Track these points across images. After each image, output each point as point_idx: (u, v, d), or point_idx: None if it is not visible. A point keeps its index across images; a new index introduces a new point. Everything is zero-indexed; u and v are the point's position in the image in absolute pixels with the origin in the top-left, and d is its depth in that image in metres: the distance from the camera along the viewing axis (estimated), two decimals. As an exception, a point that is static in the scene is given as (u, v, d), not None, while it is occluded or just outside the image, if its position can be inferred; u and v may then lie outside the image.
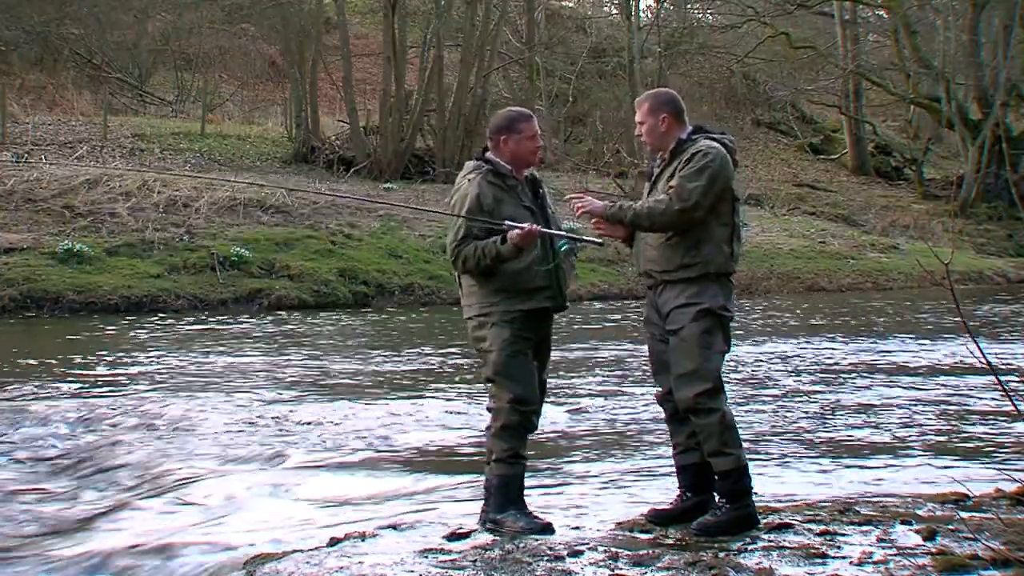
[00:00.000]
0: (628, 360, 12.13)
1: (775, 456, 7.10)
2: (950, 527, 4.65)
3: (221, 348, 13.09)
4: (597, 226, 4.98)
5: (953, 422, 8.34)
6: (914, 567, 4.11)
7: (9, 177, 20.63)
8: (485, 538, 4.69)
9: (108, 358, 12.04)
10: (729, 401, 4.84)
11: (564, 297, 5.05)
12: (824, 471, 6.65)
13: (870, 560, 4.23)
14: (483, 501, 4.94)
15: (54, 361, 11.68)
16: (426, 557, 4.41)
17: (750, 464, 4.83)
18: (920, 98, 35.49)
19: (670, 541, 4.57)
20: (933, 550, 4.33)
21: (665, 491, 5.45)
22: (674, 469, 5.05)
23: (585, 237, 5.26)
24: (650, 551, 4.40)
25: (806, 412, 8.84)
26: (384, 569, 4.27)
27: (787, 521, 4.83)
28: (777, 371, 11.29)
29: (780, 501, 5.37)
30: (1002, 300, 21.32)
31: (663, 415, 5.09)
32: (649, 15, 39.96)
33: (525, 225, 4.81)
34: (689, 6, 43.76)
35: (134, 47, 34.56)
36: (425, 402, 9.31)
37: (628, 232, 4.94)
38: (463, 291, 5.05)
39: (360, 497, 6.06)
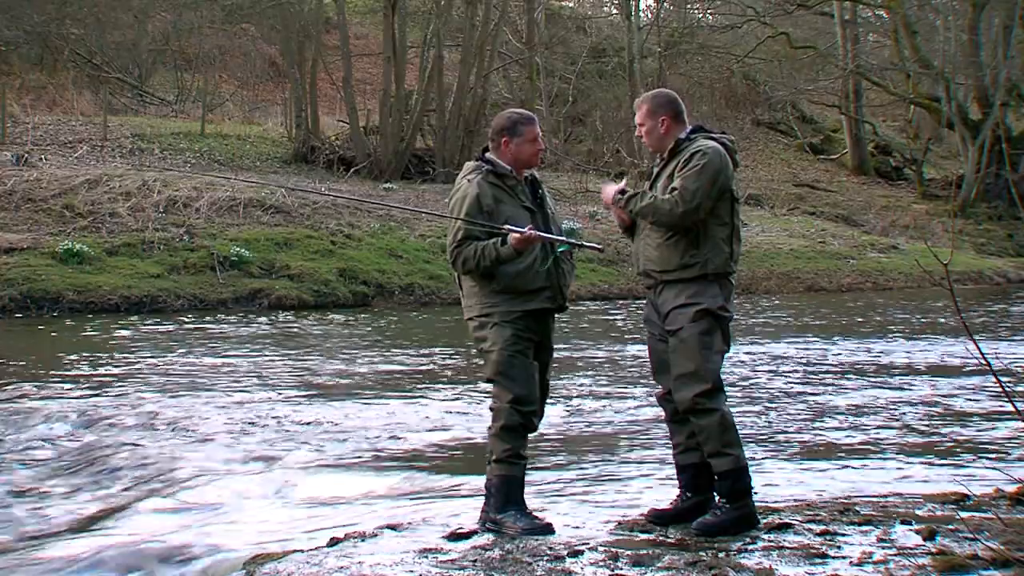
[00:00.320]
0: (627, 360, 12.13)
1: (770, 456, 7.10)
2: (950, 527, 4.65)
3: (221, 348, 13.09)
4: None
5: (951, 422, 8.34)
6: (914, 567, 4.11)
7: (9, 177, 20.63)
8: (485, 538, 4.70)
9: (108, 358, 12.04)
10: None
11: (564, 298, 5.05)
12: (821, 472, 6.65)
13: (870, 560, 4.23)
14: (483, 501, 4.95)
15: (54, 361, 11.68)
16: (426, 557, 4.41)
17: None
18: (920, 98, 35.50)
19: (670, 541, 4.58)
20: (933, 550, 4.33)
21: (665, 491, 5.45)
22: (673, 468, 5.05)
23: (585, 242, 5.26)
24: (650, 551, 4.40)
25: (803, 412, 8.84)
26: (384, 569, 4.27)
27: (787, 521, 4.83)
28: (767, 372, 11.29)
29: (780, 501, 5.37)
30: (999, 300, 21.32)
31: (662, 415, 5.09)
32: (649, 15, 40.01)
33: (525, 229, 4.81)
34: (689, 6, 43.76)
35: (134, 47, 34.56)
36: (425, 402, 9.31)
37: (631, 219, 4.95)
38: (464, 292, 5.06)
39: (360, 497, 6.07)
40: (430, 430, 8.12)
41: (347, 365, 11.74)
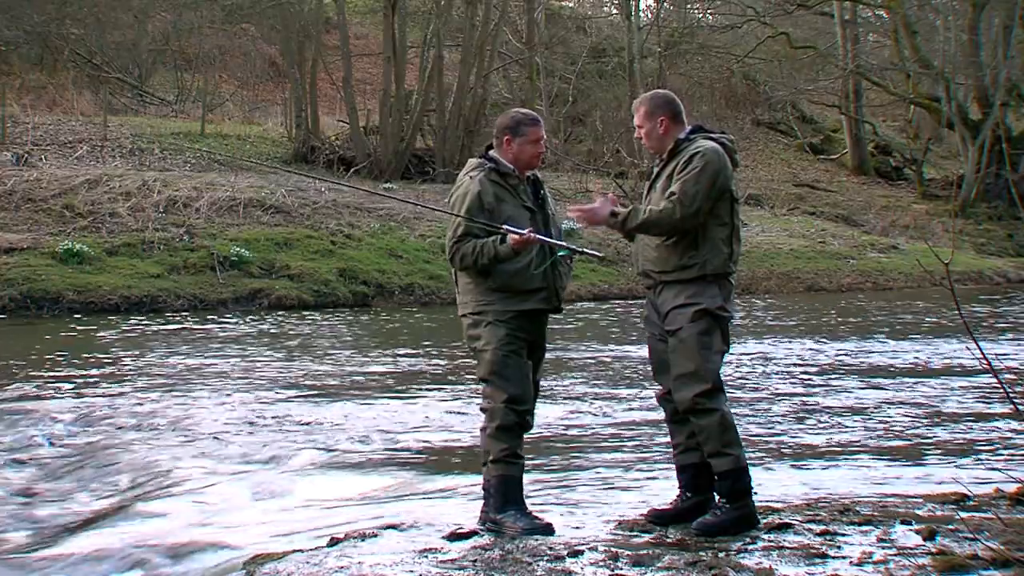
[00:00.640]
0: (627, 360, 12.13)
1: (769, 457, 7.10)
2: (950, 527, 4.65)
3: (221, 348, 13.09)
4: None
5: (951, 422, 8.34)
6: (914, 567, 4.11)
7: (9, 177, 20.63)
8: (485, 538, 4.70)
9: (108, 358, 12.04)
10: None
11: (560, 299, 5.05)
12: (821, 472, 6.65)
13: (870, 560, 4.23)
14: (483, 501, 4.95)
15: (54, 361, 11.68)
16: (426, 557, 4.41)
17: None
18: (920, 98, 35.49)
19: (670, 541, 4.58)
20: (933, 550, 4.33)
21: (664, 491, 5.45)
22: (673, 469, 5.05)
23: (585, 249, 5.24)
24: (650, 551, 4.40)
25: (802, 412, 8.84)
26: (384, 569, 4.27)
27: (787, 521, 4.83)
28: (766, 372, 11.29)
29: (780, 501, 5.37)
30: (1000, 300, 21.32)
31: (662, 415, 5.09)
32: (649, 15, 40.00)
33: (525, 231, 4.81)
34: (689, 6, 43.76)
35: (134, 47, 34.55)
36: (425, 402, 9.31)
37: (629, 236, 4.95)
38: (459, 288, 5.06)
39: (360, 497, 6.07)
40: (430, 430, 8.11)
41: (347, 365, 11.73)
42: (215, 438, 7.78)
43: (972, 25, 32.78)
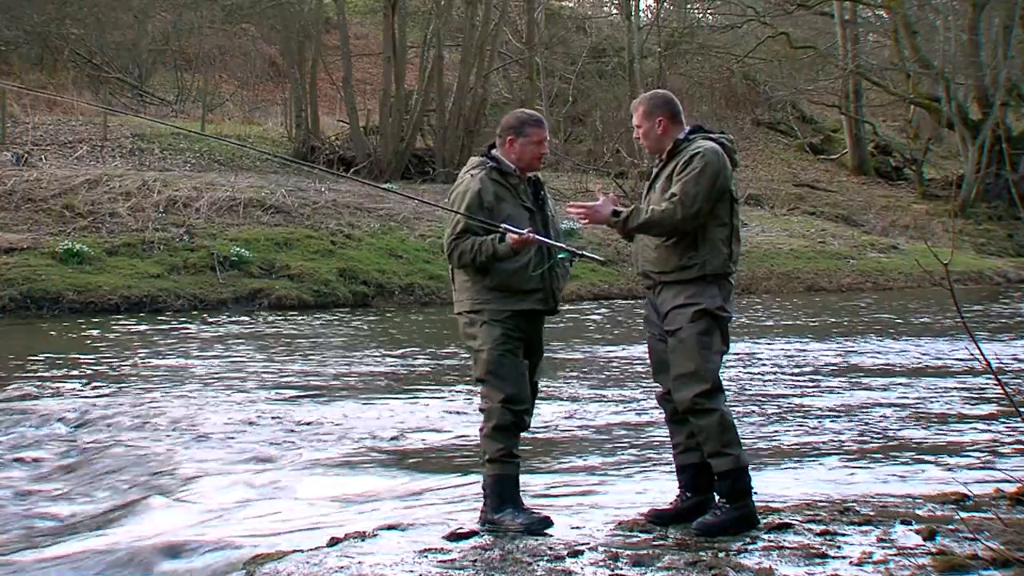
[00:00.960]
0: (626, 360, 12.13)
1: (768, 457, 7.10)
2: (950, 527, 4.65)
3: (221, 348, 13.09)
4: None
5: (950, 422, 8.34)
6: (914, 567, 4.11)
7: (9, 177, 20.62)
8: (485, 538, 4.70)
9: (107, 358, 12.04)
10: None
11: (556, 300, 5.06)
12: (820, 472, 6.65)
13: (870, 560, 4.23)
14: (482, 501, 4.95)
15: (54, 361, 11.68)
16: (426, 557, 4.41)
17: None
18: (920, 98, 35.49)
19: (670, 541, 4.57)
20: (933, 550, 4.33)
21: (664, 491, 5.45)
22: (673, 468, 5.05)
23: (585, 252, 5.23)
24: (650, 551, 4.40)
25: (800, 413, 8.84)
26: (384, 569, 4.27)
27: (787, 521, 4.83)
28: (764, 372, 11.29)
29: (780, 501, 5.37)
30: (1000, 300, 21.33)
31: (662, 415, 5.09)
32: (649, 15, 39.99)
33: (524, 231, 4.81)
34: (689, 6, 43.75)
35: (134, 47, 34.54)
36: (425, 402, 9.31)
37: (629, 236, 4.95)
38: (456, 286, 5.07)
39: (360, 497, 6.06)
40: (430, 430, 8.12)
41: (347, 365, 11.73)
42: (215, 438, 7.78)
43: (972, 25, 32.78)
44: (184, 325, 15.54)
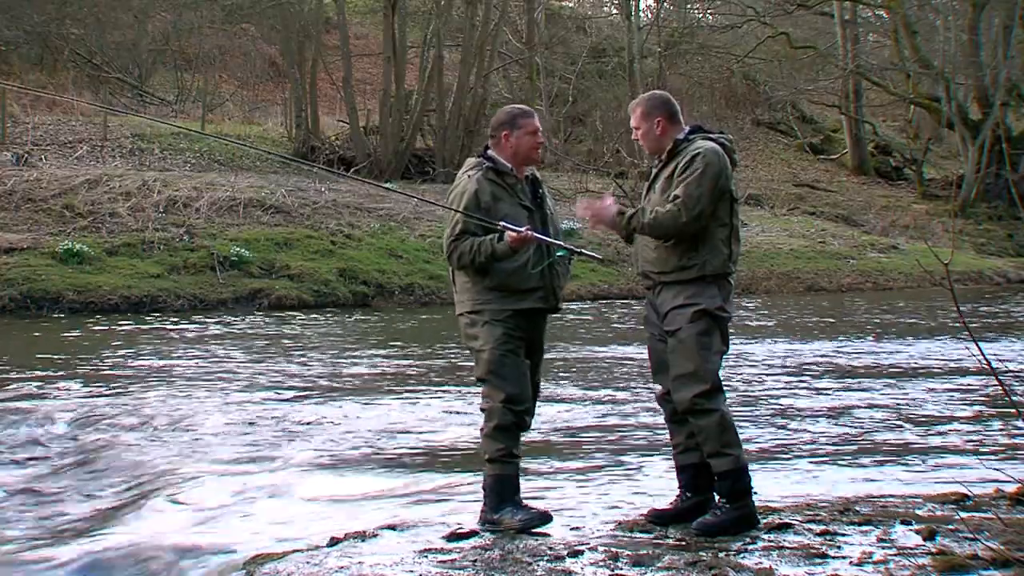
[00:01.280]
0: (626, 360, 12.13)
1: (768, 457, 7.10)
2: (950, 527, 4.65)
3: (221, 348, 13.08)
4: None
5: (950, 422, 8.34)
6: (914, 567, 4.11)
7: (9, 177, 20.62)
8: (485, 538, 4.70)
9: (107, 358, 12.04)
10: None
11: (557, 299, 5.06)
12: (820, 472, 6.65)
13: (870, 560, 4.23)
14: (482, 501, 4.95)
15: (54, 361, 11.68)
16: (426, 557, 4.41)
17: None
18: (920, 98, 35.49)
19: (670, 541, 4.57)
20: (933, 550, 4.33)
21: (664, 491, 5.45)
22: (673, 468, 5.05)
23: (585, 251, 5.22)
24: (650, 551, 4.40)
25: (799, 413, 8.84)
26: (384, 569, 4.27)
27: (787, 521, 4.83)
28: (762, 372, 11.29)
29: (780, 501, 5.37)
30: (1000, 300, 21.33)
31: (661, 414, 5.09)
32: (649, 15, 40.00)
33: (522, 229, 4.81)
34: (689, 6, 43.75)
35: (134, 47, 34.54)
36: (425, 402, 9.31)
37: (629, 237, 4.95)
38: (456, 287, 5.07)
39: (360, 497, 6.06)
40: (430, 430, 8.11)
41: (346, 365, 11.73)
42: (215, 438, 7.78)
43: (972, 25, 32.78)
44: (184, 325, 15.54)
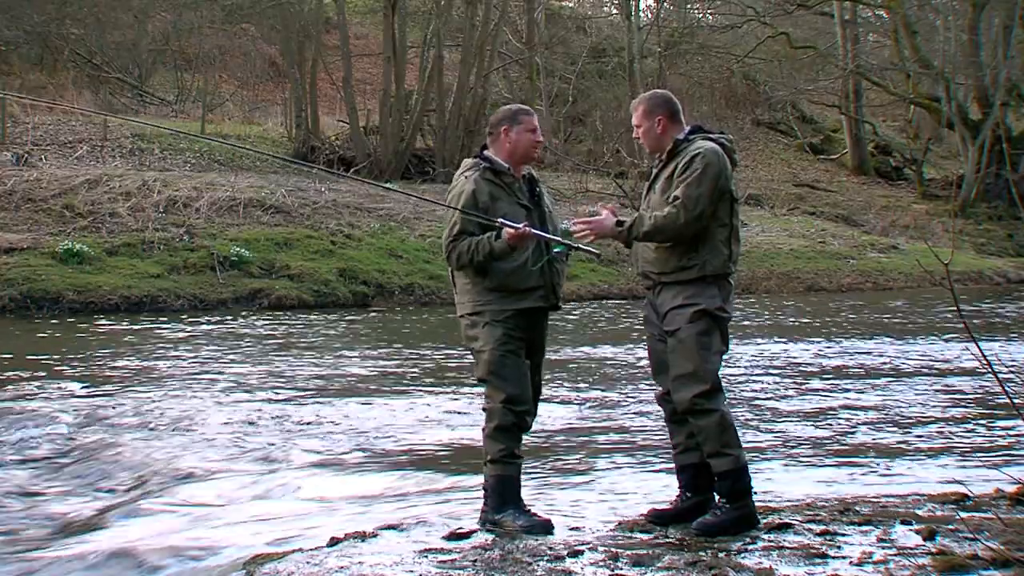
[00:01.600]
0: (626, 360, 12.13)
1: (768, 457, 7.10)
2: (950, 527, 4.65)
3: (220, 348, 13.08)
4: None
5: (949, 422, 8.34)
6: (914, 567, 4.11)
7: (9, 177, 20.62)
8: (485, 538, 4.70)
9: (107, 358, 12.04)
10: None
11: (558, 297, 5.06)
12: (820, 472, 6.65)
13: (870, 560, 4.23)
14: (482, 501, 4.95)
15: (54, 361, 11.68)
16: (426, 557, 4.41)
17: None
18: (920, 98, 35.49)
19: (670, 541, 4.58)
20: (933, 550, 4.33)
21: (664, 491, 5.45)
22: (672, 468, 5.05)
23: (582, 245, 5.22)
24: (650, 551, 4.40)
25: (798, 413, 8.84)
26: (384, 569, 4.27)
27: (787, 521, 4.83)
28: (761, 373, 11.29)
29: (780, 501, 5.37)
30: (999, 300, 21.33)
31: (661, 415, 5.09)
32: (649, 15, 40.00)
33: (520, 225, 4.82)
34: (689, 6, 43.75)
35: (134, 47, 34.54)
36: (425, 402, 9.31)
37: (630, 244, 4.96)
38: (457, 289, 5.07)
39: (359, 497, 6.06)
40: (430, 430, 8.11)
41: (346, 365, 11.73)
42: (215, 438, 7.78)
43: (972, 25, 32.77)
44: (184, 325, 15.54)
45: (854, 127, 37.04)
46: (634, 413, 8.77)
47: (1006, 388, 4.15)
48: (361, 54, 35.45)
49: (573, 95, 35.73)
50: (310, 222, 21.31)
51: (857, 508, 5.11)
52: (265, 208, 21.45)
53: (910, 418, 8.53)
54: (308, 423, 8.31)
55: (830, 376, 10.93)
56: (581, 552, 4.40)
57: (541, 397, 5.18)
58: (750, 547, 4.45)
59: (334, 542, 4.72)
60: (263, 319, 16.66)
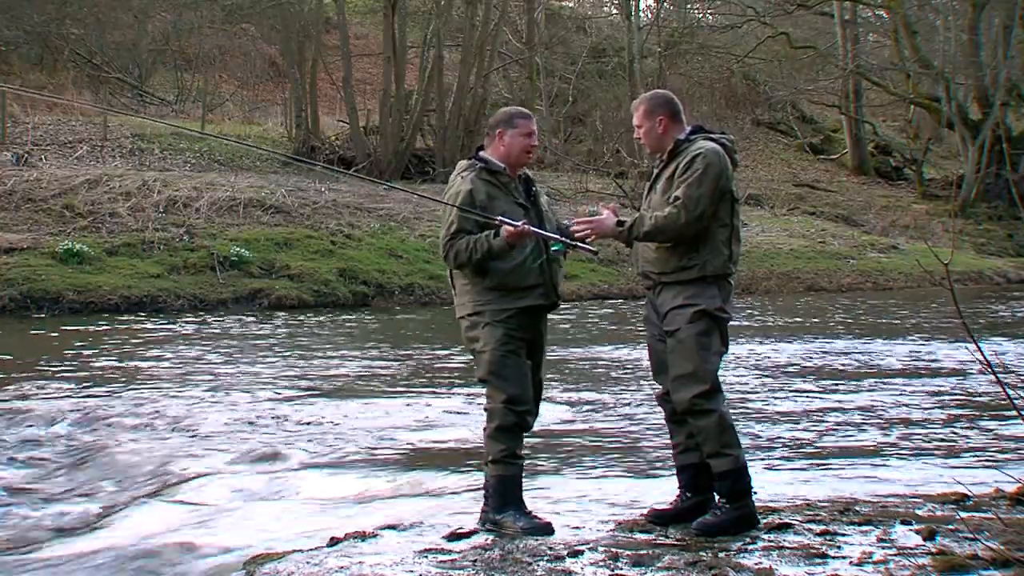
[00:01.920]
0: (626, 360, 12.13)
1: (769, 457, 7.10)
2: (950, 527, 4.65)
3: (220, 348, 13.08)
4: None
5: (950, 422, 8.34)
6: (914, 567, 4.11)
7: (9, 177, 20.62)
8: (485, 538, 4.70)
9: (107, 358, 12.04)
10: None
11: (558, 295, 5.06)
12: (820, 473, 6.64)
13: (870, 560, 4.23)
14: (483, 501, 4.95)
15: (54, 361, 11.68)
16: (426, 557, 4.41)
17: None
18: (920, 98, 35.50)
19: (670, 541, 4.57)
20: (933, 550, 4.33)
21: (665, 491, 5.45)
22: (673, 468, 5.05)
23: (579, 243, 5.21)
24: (650, 551, 4.40)
25: (799, 413, 8.84)
26: (384, 569, 4.27)
27: (787, 521, 4.83)
28: (761, 373, 11.30)
29: (780, 501, 5.37)
30: (999, 299, 21.33)
31: (662, 414, 5.09)
32: (649, 15, 40.01)
33: (519, 223, 4.82)
34: (689, 6, 43.78)
35: (134, 47, 34.55)
36: (425, 402, 9.31)
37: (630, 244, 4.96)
38: (456, 290, 5.07)
39: (359, 497, 6.06)
40: (430, 430, 8.11)
41: (347, 365, 11.73)
42: (215, 438, 7.78)
43: (972, 25, 32.78)
44: (183, 325, 15.54)
45: (854, 127, 37.05)
46: (634, 412, 8.77)
47: (1005, 388, 4.15)
48: (361, 54, 35.45)
49: (573, 95, 35.74)
50: (310, 222, 21.31)
51: (857, 508, 5.11)
52: (265, 208, 21.45)
53: (909, 418, 8.53)
54: (308, 423, 8.31)
55: (829, 377, 10.93)
56: (581, 552, 4.40)
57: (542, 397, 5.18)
58: (750, 547, 4.45)
59: (334, 542, 4.72)
60: (263, 319, 16.66)
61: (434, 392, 9.90)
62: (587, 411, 8.95)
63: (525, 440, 5.00)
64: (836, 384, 10.40)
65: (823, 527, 4.72)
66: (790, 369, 11.49)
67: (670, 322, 4.79)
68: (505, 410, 4.85)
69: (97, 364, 11.59)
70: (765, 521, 4.79)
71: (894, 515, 4.94)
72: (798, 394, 9.78)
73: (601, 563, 4.25)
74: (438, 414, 8.73)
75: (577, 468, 6.79)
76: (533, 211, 5.04)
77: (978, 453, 7.15)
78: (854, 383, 10.44)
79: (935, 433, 7.93)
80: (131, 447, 7.47)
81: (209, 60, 35.19)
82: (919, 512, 5.02)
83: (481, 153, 5.11)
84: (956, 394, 9.67)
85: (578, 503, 5.63)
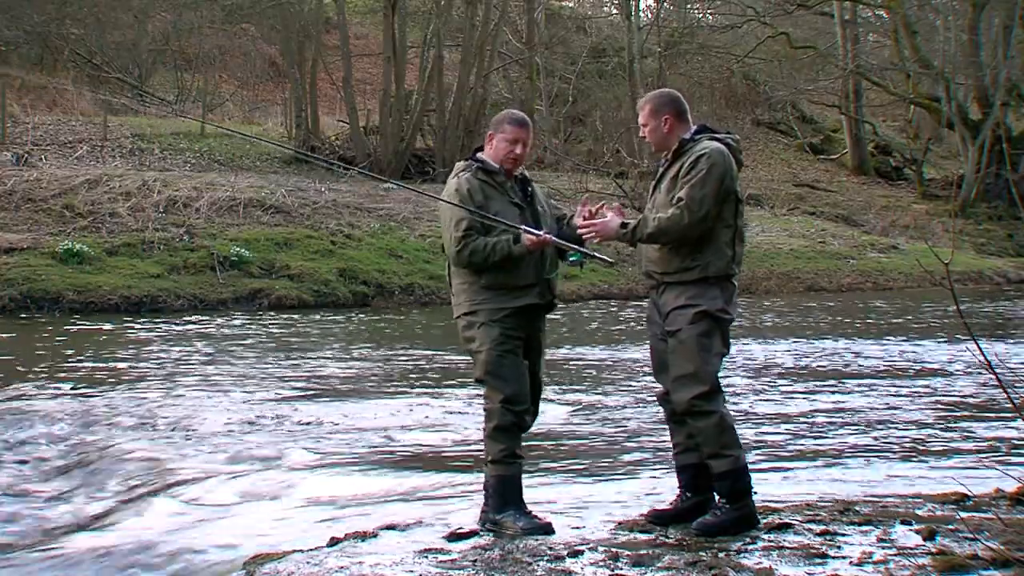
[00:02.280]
0: (626, 360, 12.13)
1: (769, 457, 7.10)
2: (950, 527, 4.65)
3: (221, 348, 13.08)
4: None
5: (950, 422, 8.34)
6: (914, 567, 4.11)
7: (9, 177, 20.62)
8: (485, 538, 4.70)
9: (108, 358, 12.04)
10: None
11: (553, 295, 5.06)
12: (820, 472, 6.64)
13: (870, 560, 4.23)
14: (483, 501, 4.95)
15: (54, 361, 11.68)
16: (426, 557, 4.41)
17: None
18: (920, 98, 35.49)
19: (670, 541, 4.57)
20: (933, 550, 4.33)
21: (665, 491, 5.45)
22: (672, 468, 5.05)
23: (596, 254, 5.18)
24: (650, 551, 4.40)
25: (798, 414, 8.84)
26: (384, 569, 4.27)
27: (787, 521, 4.83)
28: (760, 373, 11.30)
29: (780, 501, 5.37)
30: (999, 299, 21.33)
31: (662, 415, 5.09)
32: (649, 15, 40.00)
33: (541, 232, 4.82)
34: (689, 6, 43.76)
35: (134, 47, 34.55)
36: (424, 402, 9.31)
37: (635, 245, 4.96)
38: (453, 289, 5.07)
39: (359, 497, 6.06)
40: (430, 430, 8.12)
41: (346, 365, 11.74)
42: (215, 438, 7.78)
43: (972, 25, 32.77)
44: (184, 325, 15.54)
45: (854, 127, 37.04)
46: (634, 412, 8.77)
47: (1006, 388, 4.15)
48: (361, 54, 35.45)
49: (573, 95, 35.73)
50: (310, 222, 21.30)
51: (857, 508, 5.11)
52: (265, 208, 21.45)
53: (909, 418, 8.53)
54: (308, 423, 8.31)
55: (829, 377, 10.93)
56: (581, 552, 4.40)
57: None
58: (750, 547, 4.45)
59: (334, 542, 4.72)
60: (263, 319, 16.65)
61: (434, 392, 9.91)
62: (587, 411, 8.95)
63: (525, 440, 4.99)
64: (836, 384, 10.40)
65: (823, 527, 4.72)
66: (790, 369, 11.49)
67: (672, 322, 4.79)
68: (503, 410, 4.84)
69: (97, 364, 11.59)
70: (765, 521, 4.79)
71: (894, 515, 4.94)
72: (798, 394, 9.78)
73: (601, 563, 4.25)
74: (438, 414, 8.74)
75: (577, 468, 6.79)
76: (529, 211, 5.04)
77: (978, 453, 7.15)
78: (854, 383, 10.44)
79: (935, 433, 7.93)
80: (131, 447, 7.47)
81: (209, 60, 35.20)
82: (919, 512, 5.02)
83: (479, 154, 5.11)
84: (956, 394, 9.67)
85: (578, 503, 5.63)
